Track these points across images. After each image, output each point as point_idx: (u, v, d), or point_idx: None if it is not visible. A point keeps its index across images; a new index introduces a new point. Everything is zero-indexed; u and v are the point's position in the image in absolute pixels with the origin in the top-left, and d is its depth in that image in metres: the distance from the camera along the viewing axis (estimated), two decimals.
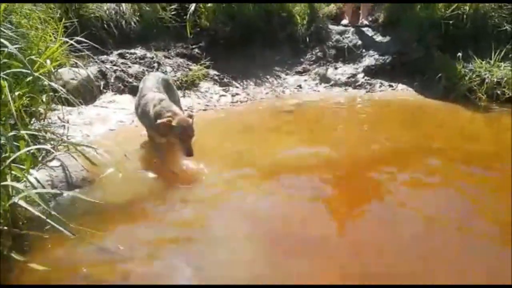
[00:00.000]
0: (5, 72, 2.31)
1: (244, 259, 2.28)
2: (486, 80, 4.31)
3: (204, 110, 4.27)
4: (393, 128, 3.92)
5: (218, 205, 2.74)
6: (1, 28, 2.67)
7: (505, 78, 4.24)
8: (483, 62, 4.43)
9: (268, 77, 5.05)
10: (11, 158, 1.99)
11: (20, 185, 2.00)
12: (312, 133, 3.86)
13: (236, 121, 4.02)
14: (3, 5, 2.87)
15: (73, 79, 3.93)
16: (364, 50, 5.21)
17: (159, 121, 2.88)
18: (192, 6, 5.11)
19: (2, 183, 1.93)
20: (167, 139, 2.99)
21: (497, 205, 2.73)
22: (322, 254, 2.30)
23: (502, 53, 4.39)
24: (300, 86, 4.92)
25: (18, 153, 2.04)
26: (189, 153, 2.85)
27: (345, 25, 5.46)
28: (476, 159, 3.30)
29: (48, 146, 2.60)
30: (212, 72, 4.92)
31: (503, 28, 4.69)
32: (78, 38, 3.37)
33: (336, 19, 5.64)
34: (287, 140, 3.65)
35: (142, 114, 3.15)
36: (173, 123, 2.86)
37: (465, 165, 3.21)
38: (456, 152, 3.43)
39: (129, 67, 4.62)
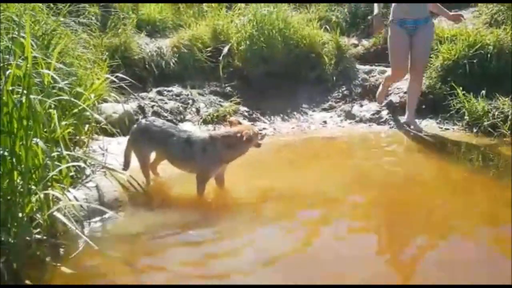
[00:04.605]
0: (53, 99, 2.69)
1: None
2: (510, 117, 4.35)
3: None
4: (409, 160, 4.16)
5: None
6: (55, 66, 3.12)
7: None
8: (507, 99, 4.48)
9: (295, 113, 5.31)
10: (53, 172, 2.32)
11: (59, 194, 2.31)
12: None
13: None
14: (59, 48, 3.36)
15: (114, 113, 4.36)
16: (389, 89, 5.36)
17: (245, 136, 3.11)
18: (226, 48, 5.54)
19: (43, 192, 2.25)
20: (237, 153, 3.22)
21: None
22: None
23: None
24: (325, 122, 5.13)
25: (59, 168, 2.38)
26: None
27: None
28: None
29: (82, 164, 2.92)
30: (242, 108, 5.25)
31: None
32: (120, 75, 3.80)
33: (362, 59, 5.86)
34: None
35: (208, 150, 3.20)
36: (254, 130, 3.26)
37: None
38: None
39: (166, 103, 5.05)
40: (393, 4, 4.59)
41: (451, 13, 4.71)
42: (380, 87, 5.13)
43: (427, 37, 4.58)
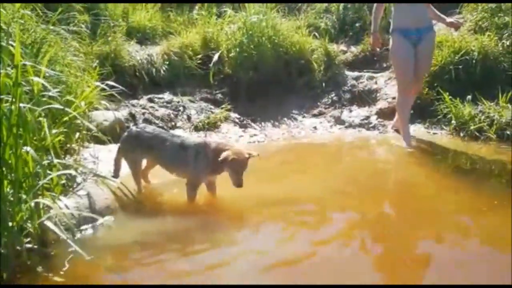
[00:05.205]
0: (44, 108, 2.69)
1: None
2: (495, 121, 4.44)
3: None
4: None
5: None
6: (46, 74, 3.11)
7: None
8: (492, 104, 4.58)
9: (285, 119, 5.34)
10: (44, 180, 2.31)
11: (49, 203, 2.31)
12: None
13: None
14: (48, 56, 3.35)
15: (105, 120, 4.35)
16: (378, 94, 5.45)
17: (222, 155, 3.02)
18: (216, 56, 5.58)
19: (34, 200, 2.25)
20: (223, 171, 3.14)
21: None
22: None
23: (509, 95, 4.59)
24: (315, 128, 5.18)
25: (49, 177, 2.38)
26: (240, 184, 3.04)
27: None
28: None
29: (73, 171, 2.91)
30: (233, 115, 5.28)
31: None
32: (110, 82, 3.80)
33: (351, 65, 5.94)
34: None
35: (197, 157, 3.19)
36: (234, 157, 3.04)
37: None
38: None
39: (157, 110, 5.06)
40: (392, 14, 4.39)
41: (448, 20, 4.45)
42: (396, 120, 4.75)
43: (430, 47, 4.38)
